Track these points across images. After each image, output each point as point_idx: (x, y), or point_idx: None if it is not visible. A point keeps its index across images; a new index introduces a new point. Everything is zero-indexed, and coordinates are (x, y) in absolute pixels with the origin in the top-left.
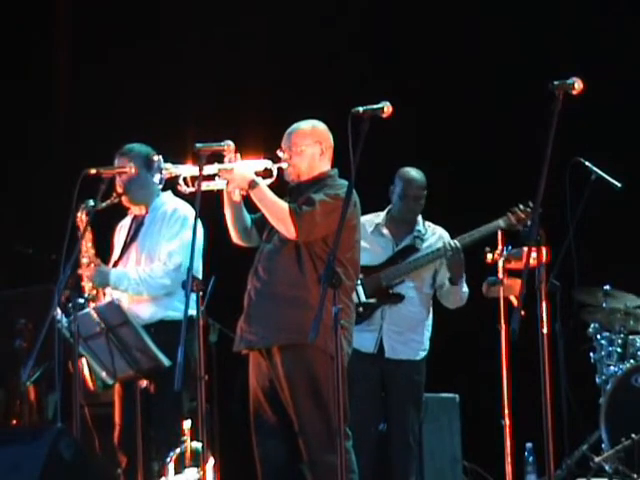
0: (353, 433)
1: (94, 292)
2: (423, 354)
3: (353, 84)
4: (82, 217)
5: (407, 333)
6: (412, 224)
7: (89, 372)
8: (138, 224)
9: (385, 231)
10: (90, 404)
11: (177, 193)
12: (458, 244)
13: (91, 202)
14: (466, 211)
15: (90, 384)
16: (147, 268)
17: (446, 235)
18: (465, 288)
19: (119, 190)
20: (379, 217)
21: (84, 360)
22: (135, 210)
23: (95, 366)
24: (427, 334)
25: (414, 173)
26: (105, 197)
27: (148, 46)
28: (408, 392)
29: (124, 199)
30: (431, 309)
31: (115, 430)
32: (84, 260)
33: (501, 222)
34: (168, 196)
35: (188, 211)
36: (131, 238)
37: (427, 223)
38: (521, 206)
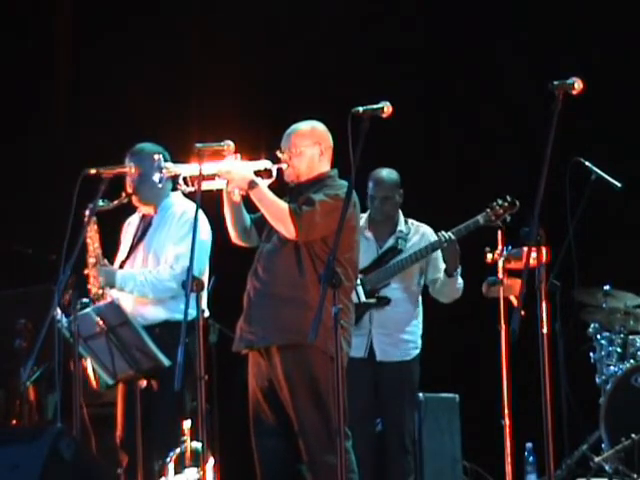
0: (353, 433)
1: (100, 292)
2: (415, 352)
3: (353, 84)
4: (92, 218)
5: (396, 334)
6: (393, 224)
7: (93, 371)
8: (146, 224)
9: (368, 234)
10: (90, 404)
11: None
12: (453, 236)
13: (101, 202)
14: (465, 211)
15: (93, 383)
16: (154, 270)
17: (430, 232)
18: (460, 280)
19: (129, 190)
20: (362, 219)
21: (88, 359)
22: (144, 209)
23: (95, 366)
24: (418, 332)
25: (383, 173)
26: (105, 196)
27: (149, 45)
28: (402, 393)
29: (134, 199)
30: (420, 307)
31: (116, 429)
32: (91, 260)
33: (480, 219)
34: (178, 197)
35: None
36: (139, 238)
37: (411, 221)
38: (499, 201)
